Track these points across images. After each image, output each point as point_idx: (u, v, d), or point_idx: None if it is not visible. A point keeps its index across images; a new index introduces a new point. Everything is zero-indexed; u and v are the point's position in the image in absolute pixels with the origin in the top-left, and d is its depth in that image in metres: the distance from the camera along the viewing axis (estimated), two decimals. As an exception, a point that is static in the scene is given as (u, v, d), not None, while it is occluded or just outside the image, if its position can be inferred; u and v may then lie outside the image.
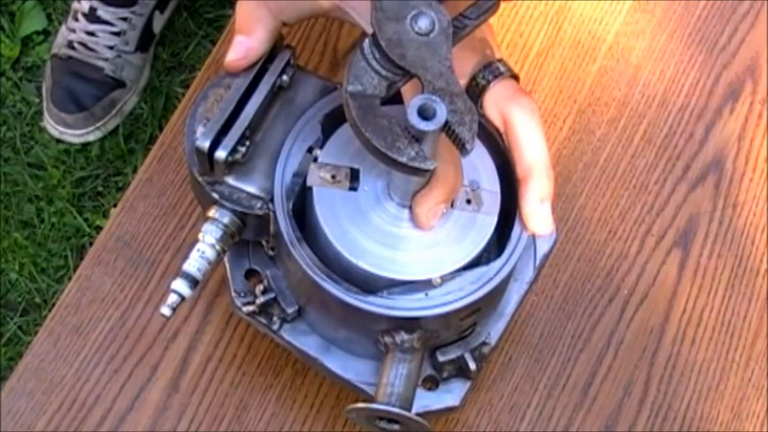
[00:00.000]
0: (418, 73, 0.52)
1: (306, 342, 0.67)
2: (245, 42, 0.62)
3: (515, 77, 0.63)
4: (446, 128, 0.52)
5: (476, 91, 0.62)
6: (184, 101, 0.83)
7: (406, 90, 0.56)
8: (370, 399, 0.63)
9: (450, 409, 0.67)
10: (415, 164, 0.52)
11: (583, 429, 0.75)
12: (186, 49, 1.63)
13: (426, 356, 0.66)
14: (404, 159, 0.52)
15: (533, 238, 0.67)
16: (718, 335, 0.79)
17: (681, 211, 0.82)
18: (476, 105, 0.63)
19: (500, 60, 0.63)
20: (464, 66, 0.61)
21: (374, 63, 0.52)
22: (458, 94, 0.53)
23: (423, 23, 0.52)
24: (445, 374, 0.67)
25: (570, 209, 0.81)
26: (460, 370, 0.67)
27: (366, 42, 0.53)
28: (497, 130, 0.62)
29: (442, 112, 0.51)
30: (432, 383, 0.67)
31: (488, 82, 0.62)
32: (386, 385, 0.62)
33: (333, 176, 0.62)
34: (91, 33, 1.52)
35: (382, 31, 0.52)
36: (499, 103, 0.61)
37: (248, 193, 0.63)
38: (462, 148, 0.53)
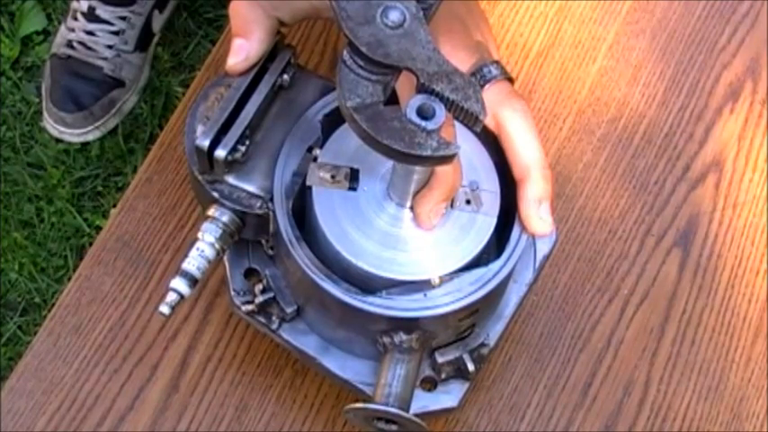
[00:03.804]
0: (408, 65, 0.51)
1: (305, 342, 0.67)
2: (244, 45, 0.62)
3: (510, 80, 0.63)
4: (453, 107, 0.52)
5: None
6: (184, 101, 0.83)
7: (401, 89, 0.56)
8: (369, 399, 0.63)
9: (448, 410, 0.67)
10: (441, 153, 0.51)
11: (583, 429, 0.75)
12: (186, 49, 1.63)
13: (425, 357, 0.66)
14: (429, 152, 0.51)
15: (533, 239, 0.67)
16: (718, 335, 0.79)
17: (681, 211, 0.82)
18: None
19: (495, 62, 0.63)
20: (459, 68, 0.61)
21: (362, 72, 0.52)
22: (453, 72, 0.52)
23: (393, 17, 0.52)
24: (444, 375, 0.67)
25: (570, 209, 0.81)
26: (459, 371, 0.67)
27: (345, 55, 0.52)
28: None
29: (440, 111, 0.51)
30: (430, 384, 0.67)
31: (481, 85, 0.61)
32: (384, 386, 0.61)
33: (332, 176, 0.62)
34: (90, 33, 1.52)
35: (358, 38, 0.51)
36: (491, 106, 0.61)
37: (248, 193, 0.63)
38: (476, 120, 0.52)
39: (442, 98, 0.51)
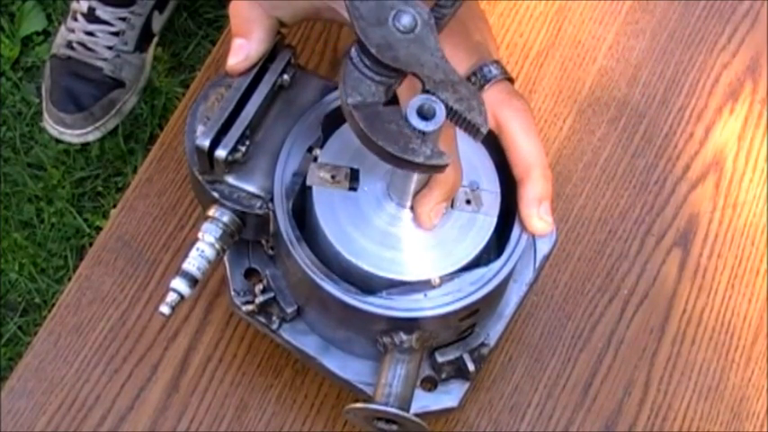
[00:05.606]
0: (415, 71, 0.52)
1: (305, 342, 0.67)
2: (245, 45, 0.62)
3: (510, 80, 0.63)
4: (456, 117, 0.52)
5: None
6: (184, 101, 0.83)
7: (402, 91, 0.56)
8: (369, 399, 0.63)
9: (448, 410, 0.67)
10: (433, 161, 0.51)
11: (583, 429, 0.75)
12: (186, 49, 1.63)
13: (425, 357, 0.66)
14: (421, 159, 0.51)
15: (533, 239, 0.67)
16: (718, 335, 0.79)
17: (681, 211, 0.82)
18: None
19: (495, 62, 0.63)
20: (458, 68, 0.61)
21: (367, 71, 0.52)
22: (458, 81, 0.52)
23: (405, 21, 0.52)
24: (444, 375, 0.67)
25: (570, 209, 0.81)
26: (459, 371, 0.67)
27: (353, 53, 0.52)
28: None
29: (440, 112, 0.51)
30: (430, 384, 0.67)
31: (481, 85, 0.61)
32: (384, 385, 0.62)
33: (332, 176, 0.62)
34: (90, 33, 1.52)
35: (369, 39, 0.52)
36: (492, 106, 0.61)
37: (248, 193, 0.63)
38: (477, 132, 0.53)
39: (446, 107, 0.52)
